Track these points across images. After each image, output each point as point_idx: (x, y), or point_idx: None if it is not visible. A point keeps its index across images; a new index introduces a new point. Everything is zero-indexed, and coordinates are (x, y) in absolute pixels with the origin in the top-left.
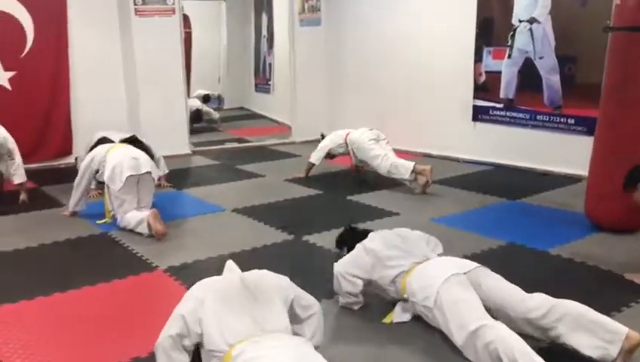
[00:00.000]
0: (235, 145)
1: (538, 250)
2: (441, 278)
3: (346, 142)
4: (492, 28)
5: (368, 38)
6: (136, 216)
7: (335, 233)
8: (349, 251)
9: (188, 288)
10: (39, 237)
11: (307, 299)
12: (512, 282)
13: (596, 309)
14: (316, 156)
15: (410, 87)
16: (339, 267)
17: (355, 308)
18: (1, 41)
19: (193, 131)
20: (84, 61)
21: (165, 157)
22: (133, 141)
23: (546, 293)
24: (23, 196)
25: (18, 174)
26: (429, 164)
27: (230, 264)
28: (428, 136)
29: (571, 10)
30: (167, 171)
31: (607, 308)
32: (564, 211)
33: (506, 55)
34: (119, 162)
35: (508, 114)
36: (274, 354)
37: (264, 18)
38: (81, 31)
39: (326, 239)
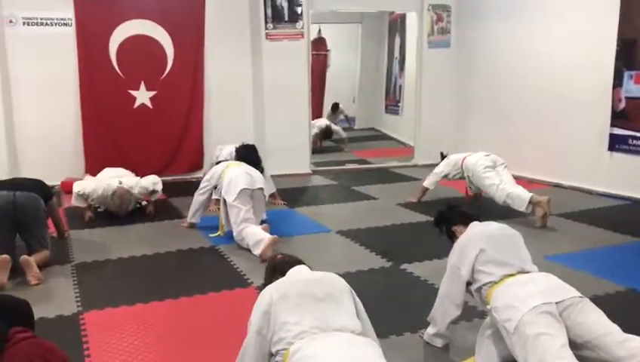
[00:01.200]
0: (356, 166)
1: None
2: (528, 304)
3: (462, 168)
4: (634, 50)
5: (498, 59)
6: (256, 234)
7: (437, 263)
8: (447, 233)
9: None
10: (155, 246)
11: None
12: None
13: None
14: (431, 181)
15: (541, 111)
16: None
17: (439, 344)
18: (146, 63)
19: (319, 151)
20: (217, 82)
21: (286, 176)
22: (251, 148)
23: None
24: (150, 208)
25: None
26: (547, 195)
27: (300, 268)
28: (559, 165)
29: None
30: (274, 190)
31: None
32: None
33: None
34: (235, 176)
35: None
36: (331, 352)
37: (397, 40)
38: (216, 54)
39: (425, 269)
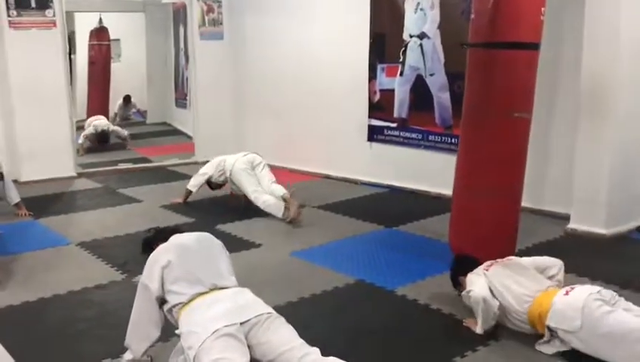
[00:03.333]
0: (131, 165)
1: (385, 290)
2: (209, 329)
3: (224, 169)
4: (384, 44)
5: (269, 55)
6: None
7: None
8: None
9: None
10: None
11: None
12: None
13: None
14: (194, 182)
15: (308, 106)
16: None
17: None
18: None
19: (98, 150)
20: None
21: (45, 181)
22: None
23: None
24: None
25: None
26: (293, 189)
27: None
28: (327, 157)
29: (459, 25)
30: (18, 199)
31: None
32: (436, 242)
33: (398, 72)
34: None
35: (402, 134)
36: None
37: (181, 30)
38: None
39: None
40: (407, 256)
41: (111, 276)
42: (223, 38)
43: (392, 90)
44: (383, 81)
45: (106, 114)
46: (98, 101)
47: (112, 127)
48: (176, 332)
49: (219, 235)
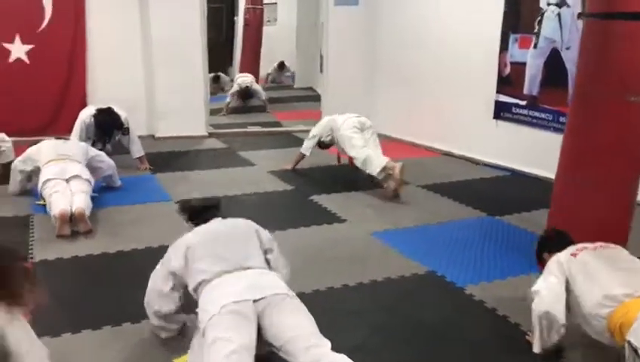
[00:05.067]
0: (258, 128)
1: (454, 286)
2: (218, 305)
3: (331, 129)
4: (519, 12)
5: (403, 20)
6: (54, 206)
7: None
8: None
9: None
10: None
11: None
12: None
13: None
14: (306, 145)
15: (438, 76)
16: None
17: (163, 335)
18: (20, 14)
19: (241, 110)
20: (101, 35)
21: (178, 138)
22: (107, 113)
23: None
24: None
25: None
26: (399, 162)
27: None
28: (450, 132)
29: None
30: (142, 153)
31: None
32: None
33: (532, 44)
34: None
35: (531, 113)
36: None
37: None
38: (99, 4)
39: None
40: (496, 250)
41: None
42: (358, 3)
43: (524, 64)
44: (515, 52)
45: (256, 74)
46: (249, 62)
47: (255, 86)
48: (196, 310)
49: (309, 206)
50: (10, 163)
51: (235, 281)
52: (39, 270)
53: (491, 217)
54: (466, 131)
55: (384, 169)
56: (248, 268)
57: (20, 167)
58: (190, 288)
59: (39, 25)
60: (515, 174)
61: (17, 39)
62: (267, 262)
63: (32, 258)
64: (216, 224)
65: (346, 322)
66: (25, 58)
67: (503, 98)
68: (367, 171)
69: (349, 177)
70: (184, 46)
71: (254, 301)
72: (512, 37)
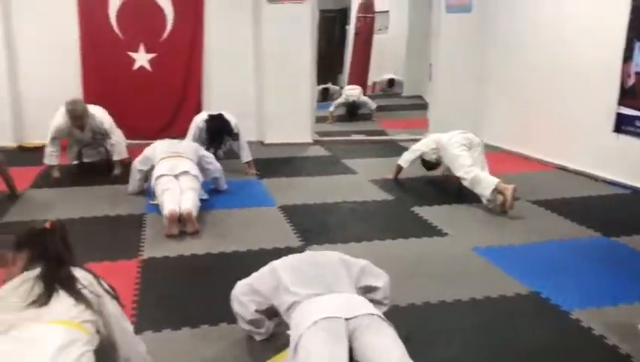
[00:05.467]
0: (363, 137)
1: (558, 309)
2: (311, 319)
3: (437, 146)
4: None
5: (514, 29)
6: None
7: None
8: None
9: None
10: (93, 210)
11: None
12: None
13: None
14: (405, 158)
15: (552, 85)
16: None
17: (258, 337)
18: (145, 25)
19: (345, 119)
20: (217, 46)
21: (283, 145)
22: (218, 118)
23: None
24: (116, 170)
25: (116, 152)
26: (513, 183)
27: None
28: (565, 145)
29: None
30: (250, 158)
31: None
32: None
33: None
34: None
35: None
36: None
37: None
38: (216, 16)
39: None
40: (609, 273)
41: (290, 241)
42: (471, 10)
43: None
44: None
45: (364, 83)
46: (358, 70)
47: (362, 98)
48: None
49: (409, 217)
50: (128, 163)
51: (328, 301)
52: (147, 267)
53: (606, 238)
54: (582, 144)
55: (495, 190)
56: (340, 291)
57: (139, 167)
58: (281, 310)
59: (161, 35)
60: (636, 192)
61: (142, 48)
62: (361, 280)
63: (141, 255)
64: (302, 254)
65: (440, 339)
66: (147, 66)
67: (626, 110)
68: (476, 191)
69: (453, 189)
70: (293, 56)
71: (346, 319)
72: (637, 45)
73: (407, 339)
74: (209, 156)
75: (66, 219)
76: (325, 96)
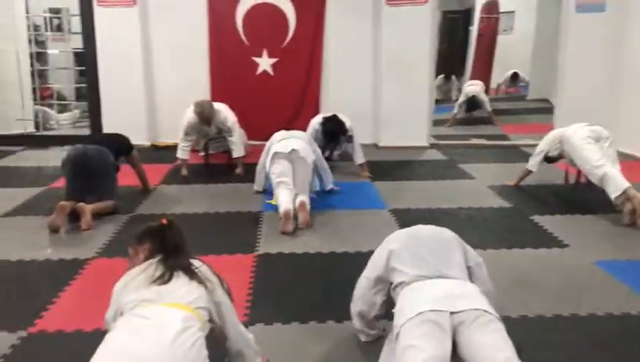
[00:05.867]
0: (482, 141)
1: None
2: (415, 310)
3: (561, 141)
4: None
5: None
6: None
7: None
8: None
9: None
10: (219, 206)
11: None
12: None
13: None
14: (533, 161)
15: None
16: None
17: (363, 338)
18: (269, 31)
19: (464, 122)
20: (336, 49)
21: (399, 148)
22: (332, 120)
23: None
24: (238, 170)
25: (236, 150)
26: None
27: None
28: None
29: None
30: (363, 161)
31: None
32: None
33: None
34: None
35: None
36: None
37: None
38: (336, 21)
39: None
40: None
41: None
42: (605, 9)
43: None
44: None
45: (486, 85)
46: (480, 72)
47: (482, 96)
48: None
49: (527, 226)
50: (249, 163)
51: (434, 288)
52: (262, 261)
53: None
54: None
55: (623, 193)
56: (448, 276)
57: (263, 164)
58: (391, 287)
59: (283, 41)
60: None
61: (265, 53)
62: (470, 275)
63: (257, 250)
64: (419, 227)
65: (553, 356)
66: (270, 70)
67: None
68: (606, 190)
69: (577, 197)
70: (412, 58)
71: (451, 313)
72: None
73: (519, 351)
74: (317, 148)
75: (190, 214)
76: (444, 91)
